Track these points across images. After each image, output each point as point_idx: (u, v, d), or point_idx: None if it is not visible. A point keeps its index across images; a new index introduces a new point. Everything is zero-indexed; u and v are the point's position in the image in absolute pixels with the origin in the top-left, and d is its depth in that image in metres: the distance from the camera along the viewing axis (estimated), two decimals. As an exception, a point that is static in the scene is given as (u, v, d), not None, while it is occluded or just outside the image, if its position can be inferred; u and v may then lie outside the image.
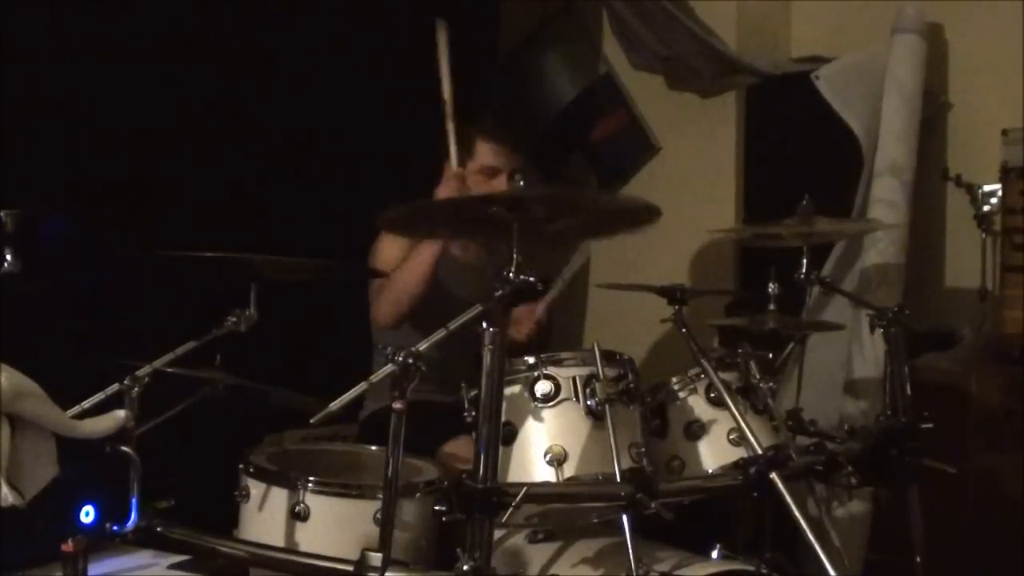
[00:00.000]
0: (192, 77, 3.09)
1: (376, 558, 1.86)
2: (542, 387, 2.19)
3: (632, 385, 2.23)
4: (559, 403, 2.18)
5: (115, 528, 2.07)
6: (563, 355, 2.23)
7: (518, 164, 3.11)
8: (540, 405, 2.18)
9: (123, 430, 1.99)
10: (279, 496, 2.17)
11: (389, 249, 2.99)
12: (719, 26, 3.88)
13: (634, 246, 3.85)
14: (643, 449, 2.22)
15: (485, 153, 3.07)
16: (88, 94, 2.89)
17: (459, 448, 2.76)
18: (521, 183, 2.13)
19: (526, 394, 2.19)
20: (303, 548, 2.12)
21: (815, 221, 2.63)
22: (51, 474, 1.78)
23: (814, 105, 3.60)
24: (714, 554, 2.36)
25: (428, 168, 3.20)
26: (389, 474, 1.88)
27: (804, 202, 2.59)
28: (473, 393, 2.09)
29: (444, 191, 2.94)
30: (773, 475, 2.19)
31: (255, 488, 2.22)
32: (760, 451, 2.23)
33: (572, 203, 2.25)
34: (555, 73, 4.33)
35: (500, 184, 3.03)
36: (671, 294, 2.41)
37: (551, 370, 2.19)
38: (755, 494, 2.25)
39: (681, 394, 2.41)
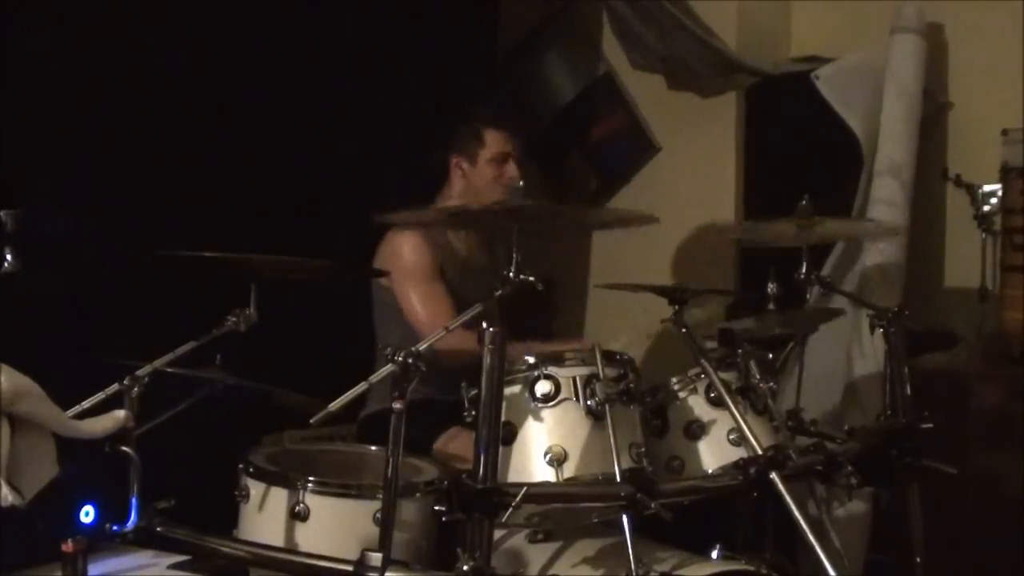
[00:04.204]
0: (192, 77, 3.09)
1: (376, 558, 1.86)
2: (542, 387, 2.19)
3: (632, 385, 2.23)
4: (559, 403, 2.18)
5: (115, 528, 2.07)
6: (563, 355, 2.23)
7: (523, 146, 3.17)
8: (540, 405, 2.18)
9: (123, 430, 1.99)
10: (279, 496, 2.17)
11: (412, 247, 2.99)
12: (719, 26, 3.88)
13: (634, 246, 3.86)
14: (643, 449, 2.22)
15: (495, 142, 3.10)
16: (89, 94, 2.89)
17: (454, 443, 2.76)
18: (520, 184, 2.13)
19: (526, 394, 2.19)
20: (303, 548, 2.12)
21: (815, 221, 2.63)
22: (51, 474, 1.78)
23: (814, 105, 3.60)
24: (714, 554, 2.36)
25: (429, 167, 3.21)
26: (389, 474, 1.88)
27: (804, 202, 2.59)
28: (473, 393, 2.09)
29: None
30: (773, 475, 2.19)
31: (255, 488, 2.22)
32: (760, 451, 2.23)
33: (569, 215, 2.26)
34: (555, 73, 4.33)
35: (510, 169, 3.08)
36: (671, 294, 2.41)
37: (551, 370, 2.19)
38: (755, 494, 2.25)
39: (681, 394, 2.41)
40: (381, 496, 1.93)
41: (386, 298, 3.04)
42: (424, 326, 2.89)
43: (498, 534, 2.15)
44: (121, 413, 1.98)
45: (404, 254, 2.98)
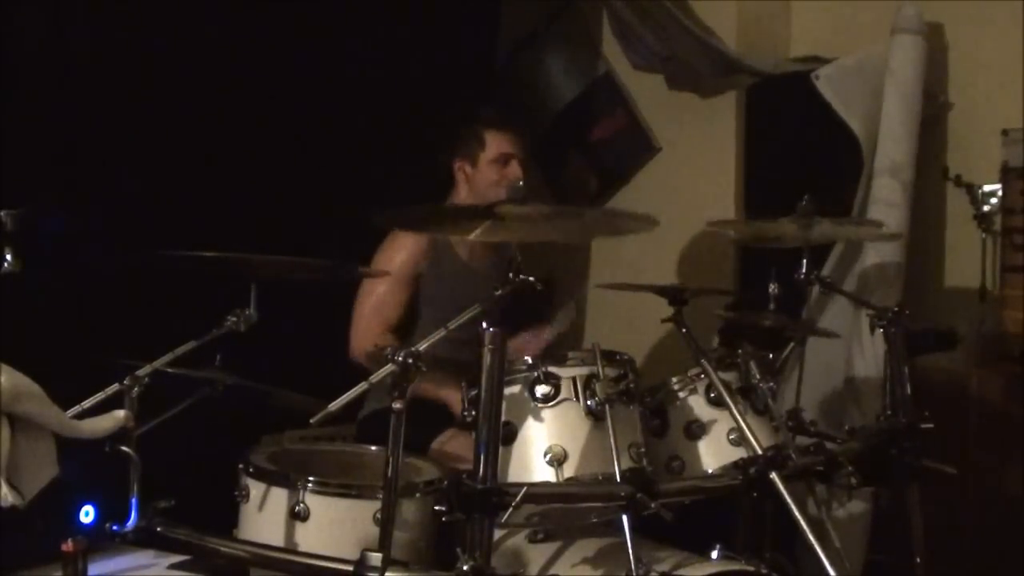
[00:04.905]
0: (192, 76, 3.09)
1: (376, 558, 1.86)
2: (542, 387, 2.19)
3: (632, 385, 2.23)
4: (559, 403, 2.18)
5: (115, 528, 2.07)
6: (563, 355, 2.23)
7: (527, 147, 3.17)
8: (540, 405, 2.18)
9: (123, 430, 1.99)
10: (279, 496, 2.17)
11: (399, 249, 3.00)
12: (719, 26, 3.88)
13: (634, 246, 3.85)
14: (643, 449, 2.22)
15: (496, 142, 3.10)
16: (88, 94, 2.90)
17: (452, 443, 2.76)
18: (521, 183, 2.13)
19: (526, 394, 2.19)
20: (303, 548, 2.12)
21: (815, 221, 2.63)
22: (51, 474, 1.78)
23: (814, 105, 3.60)
24: (714, 554, 2.36)
25: (429, 168, 3.21)
26: (389, 474, 1.88)
27: (804, 202, 2.59)
28: (473, 393, 2.09)
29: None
30: (773, 475, 2.19)
31: (255, 488, 2.22)
32: (760, 451, 2.23)
33: (572, 216, 2.27)
34: (555, 73, 4.33)
35: (513, 170, 3.08)
36: (671, 294, 2.41)
37: (551, 370, 2.19)
38: (755, 494, 2.25)
39: (681, 394, 2.41)
40: (381, 496, 1.93)
41: None
42: (359, 317, 2.97)
43: (498, 534, 2.15)
44: (121, 413, 1.98)
45: (386, 251, 2.99)
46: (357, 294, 3.03)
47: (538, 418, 2.17)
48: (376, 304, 2.99)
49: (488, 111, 3.21)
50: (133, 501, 2.05)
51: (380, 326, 2.97)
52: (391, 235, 3.02)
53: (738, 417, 2.28)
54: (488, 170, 3.09)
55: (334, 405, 1.92)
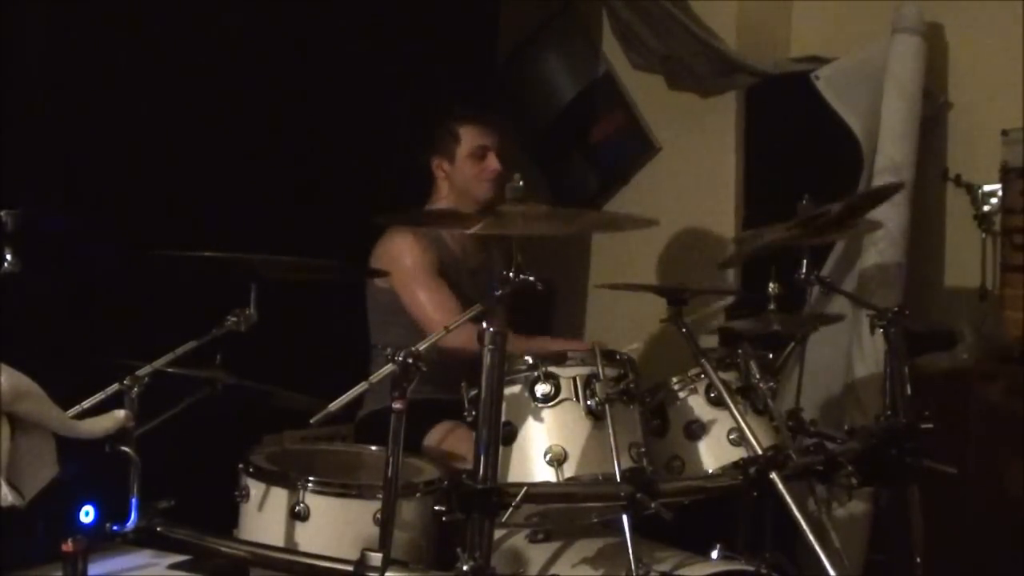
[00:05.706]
0: (193, 77, 3.10)
1: (376, 558, 1.86)
2: (542, 387, 2.18)
3: (632, 385, 2.23)
4: (559, 403, 2.18)
5: (115, 528, 2.07)
6: (563, 355, 2.23)
7: (504, 137, 3.16)
8: (540, 405, 2.18)
9: (123, 430, 1.99)
10: (279, 496, 2.17)
11: (411, 247, 2.97)
12: (719, 26, 3.88)
13: (634, 246, 3.86)
14: (643, 449, 2.22)
15: (469, 136, 3.09)
16: (89, 93, 2.90)
17: (448, 440, 2.75)
18: (521, 183, 2.13)
19: (526, 394, 2.19)
20: (303, 548, 2.12)
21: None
22: (51, 474, 1.79)
23: (814, 105, 3.60)
24: (714, 554, 2.36)
25: (415, 173, 3.21)
26: (389, 474, 1.88)
27: (804, 202, 2.59)
28: (473, 393, 2.09)
29: None
30: (773, 475, 2.19)
31: (255, 488, 2.22)
32: (760, 451, 2.23)
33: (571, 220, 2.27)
34: (555, 73, 4.33)
35: (491, 162, 3.07)
36: (671, 294, 2.41)
37: (551, 370, 2.19)
38: (755, 494, 2.25)
39: (681, 394, 2.41)
40: (381, 496, 1.93)
41: (381, 298, 3.03)
42: (433, 323, 2.86)
43: (498, 534, 2.15)
44: (121, 413, 1.98)
45: (404, 254, 2.96)
46: (412, 305, 2.94)
47: (538, 418, 2.17)
48: (442, 308, 2.88)
49: (460, 105, 3.20)
50: (133, 501, 2.06)
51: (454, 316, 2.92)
52: (387, 236, 3.01)
53: (738, 417, 2.28)
54: (465, 165, 3.08)
55: (334, 405, 1.93)
